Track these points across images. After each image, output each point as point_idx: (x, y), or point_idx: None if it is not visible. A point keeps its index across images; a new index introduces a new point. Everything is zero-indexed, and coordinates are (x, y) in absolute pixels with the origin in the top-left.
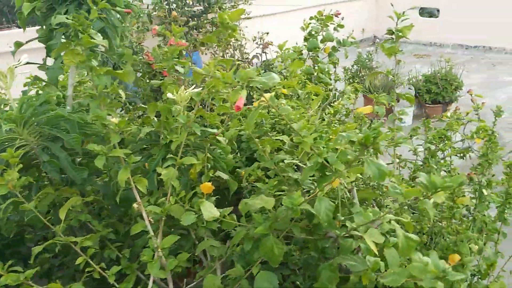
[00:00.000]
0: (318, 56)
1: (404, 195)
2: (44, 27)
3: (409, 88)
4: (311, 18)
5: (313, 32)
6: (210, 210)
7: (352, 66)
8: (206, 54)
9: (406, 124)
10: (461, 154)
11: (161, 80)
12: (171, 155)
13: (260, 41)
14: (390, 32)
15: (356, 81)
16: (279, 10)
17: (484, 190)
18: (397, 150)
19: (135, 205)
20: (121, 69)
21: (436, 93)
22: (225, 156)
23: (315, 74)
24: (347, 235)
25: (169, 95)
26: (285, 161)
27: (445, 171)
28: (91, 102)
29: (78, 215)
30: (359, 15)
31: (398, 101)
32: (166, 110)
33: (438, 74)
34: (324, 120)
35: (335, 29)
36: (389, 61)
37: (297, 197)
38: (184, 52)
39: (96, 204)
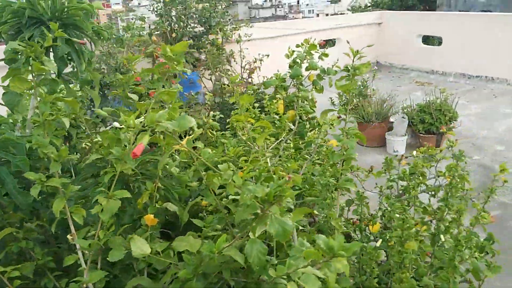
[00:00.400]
0: (302, 84)
1: (304, 256)
2: (10, 49)
3: (402, 117)
4: (297, 45)
5: (297, 60)
6: (140, 247)
7: None
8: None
9: (399, 153)
10: (432, 192)
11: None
12: (103, 189)
13: (249, 65)
14: (346, 69)
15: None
16: (282, 33)
17: (442, 236)
18: (377, 181)
19: (69, 237)
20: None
21: (430, 123)
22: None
23: (298, 101)
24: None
25: (115, 124)
26: (230, 197)
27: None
28: (34, 129)
29: (20, 242)
30: (362, 41)
31: (391, 130)
32: (112, 139)
33: (433, 104)
34: (284, 153)
35: (319, 57)
36: (384, 88)
37: (220, 242)
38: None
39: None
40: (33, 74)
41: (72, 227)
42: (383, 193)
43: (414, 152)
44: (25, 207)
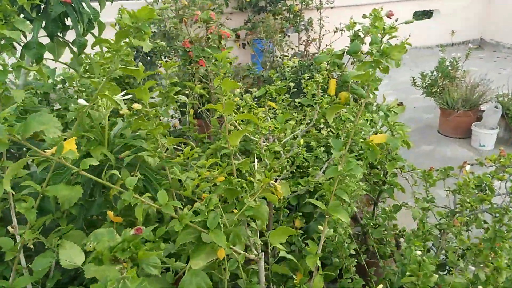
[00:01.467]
0: (360, 62)
1: None
2: None
3: (495, 107)
4: (363, 16)
5: (360, 34)
6: (71, 256)
7: (432, 72)
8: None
9: (486, 149)
10: (496, 215)
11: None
12: (30, 182)
13: (307, 37)
14: (370, 53)
15: (434, 90)
16: (371, 1)
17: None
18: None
19: (9, 228)
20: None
21: None
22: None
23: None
24: None
25: (81, 100)
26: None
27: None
28: None
29: None
30: (465, 14)
31: (480, 120)
32: (80, 117)
33: None
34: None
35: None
36: (485, 69)
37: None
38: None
39: None
40: None
41: (14, 218)
42: (431, 209)
43: (468, 168)
44: None
